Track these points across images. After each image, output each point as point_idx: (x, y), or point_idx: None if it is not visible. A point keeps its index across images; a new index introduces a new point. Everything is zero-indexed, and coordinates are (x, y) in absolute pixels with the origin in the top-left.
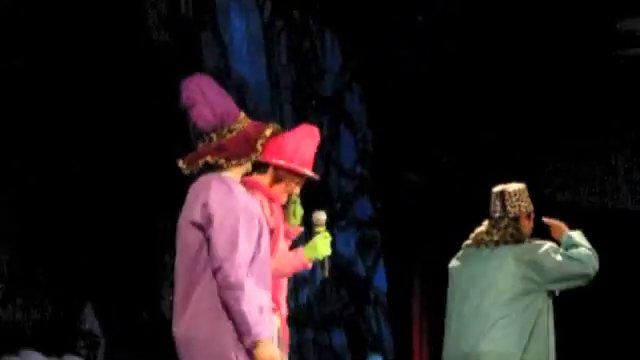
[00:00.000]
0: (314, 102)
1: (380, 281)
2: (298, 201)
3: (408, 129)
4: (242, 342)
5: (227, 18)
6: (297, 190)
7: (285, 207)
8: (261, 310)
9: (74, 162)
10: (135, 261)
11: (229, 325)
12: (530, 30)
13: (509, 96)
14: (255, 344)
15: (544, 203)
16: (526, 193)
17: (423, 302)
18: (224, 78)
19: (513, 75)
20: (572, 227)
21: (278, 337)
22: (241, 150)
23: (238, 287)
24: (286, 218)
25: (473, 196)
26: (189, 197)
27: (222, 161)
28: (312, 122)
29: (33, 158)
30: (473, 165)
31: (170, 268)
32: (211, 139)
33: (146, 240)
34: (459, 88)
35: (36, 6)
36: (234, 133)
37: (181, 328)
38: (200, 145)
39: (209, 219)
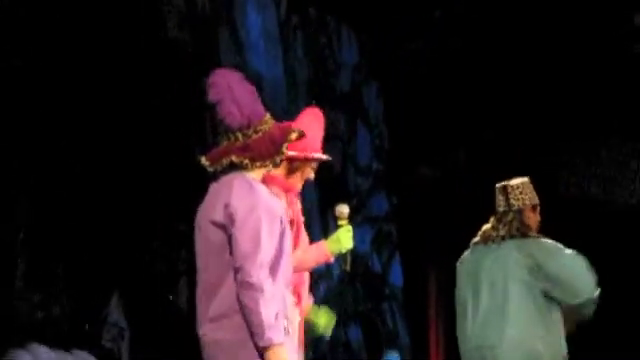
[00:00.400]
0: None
1: (396, 277)
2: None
3: (413, 126)
4: (254, 343)
5: (244, 13)
6: (312, 175)
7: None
8: (276, 315)
9: (92, 159)
10: (153, 257)
11: None
12: (530, 29)
13: (509, 96)
14: (266, 348)
15: (544, 203)
16: (530, 186)
17: (439, 298)
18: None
19: (513, 75)
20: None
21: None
22: (266, 152)
23: (258, 288)
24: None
25: (478, 195)
26: (210, 196)
27: (247, 161)
28: (329, 118)
29: (50, 156)
30: (473, 165)
31: (187, 265)
32: (237, 138)
33: (164, 237)
34: (459, 88)
35: (36, 6)
36: (260, 134)
37: (206, 330)
38: (224, 142)
39: (231, 218)
